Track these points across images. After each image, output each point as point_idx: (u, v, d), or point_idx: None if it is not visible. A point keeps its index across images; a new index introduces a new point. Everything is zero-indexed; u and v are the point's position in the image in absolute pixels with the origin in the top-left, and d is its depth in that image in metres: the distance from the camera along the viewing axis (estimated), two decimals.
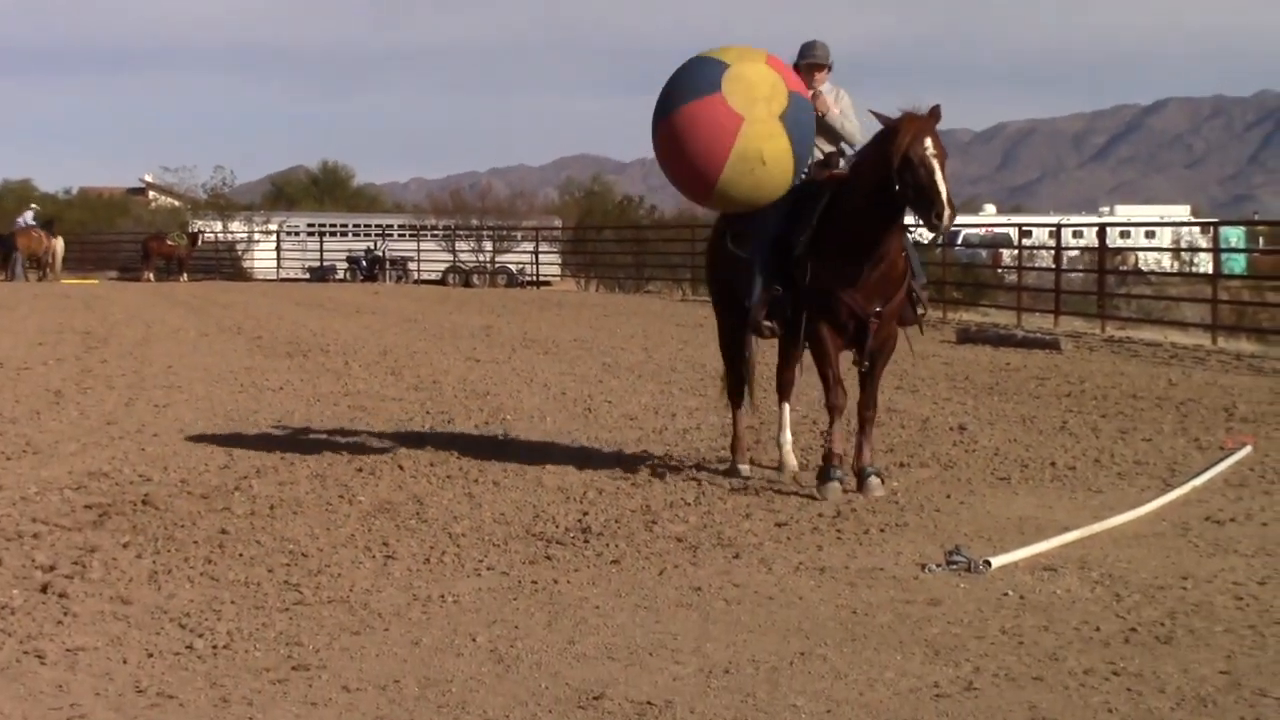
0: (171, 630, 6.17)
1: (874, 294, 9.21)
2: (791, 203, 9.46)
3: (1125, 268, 32.89)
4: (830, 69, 9.84)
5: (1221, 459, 10.35)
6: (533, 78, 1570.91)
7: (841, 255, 9.10)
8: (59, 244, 45.41)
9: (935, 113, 9.02)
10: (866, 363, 9.40)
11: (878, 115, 9.10)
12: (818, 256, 9.19)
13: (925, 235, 9.84)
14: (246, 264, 52.81)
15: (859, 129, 9.75)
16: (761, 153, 9.07)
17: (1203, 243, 34.75)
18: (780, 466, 9.92)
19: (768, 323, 9.58)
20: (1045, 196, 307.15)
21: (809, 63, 9.74)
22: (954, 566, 7.22)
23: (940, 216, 8.74)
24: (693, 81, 9.28)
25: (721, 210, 9.91)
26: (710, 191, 9.37)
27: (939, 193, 8.73)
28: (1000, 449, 11.03)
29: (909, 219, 9.20)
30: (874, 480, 9.27)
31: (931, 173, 8.75)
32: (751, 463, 10.10)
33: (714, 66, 9.25)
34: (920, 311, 9.72)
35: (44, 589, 6.72)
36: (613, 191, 74.38)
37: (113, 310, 28.96)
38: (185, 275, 47.24)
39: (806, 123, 9.32)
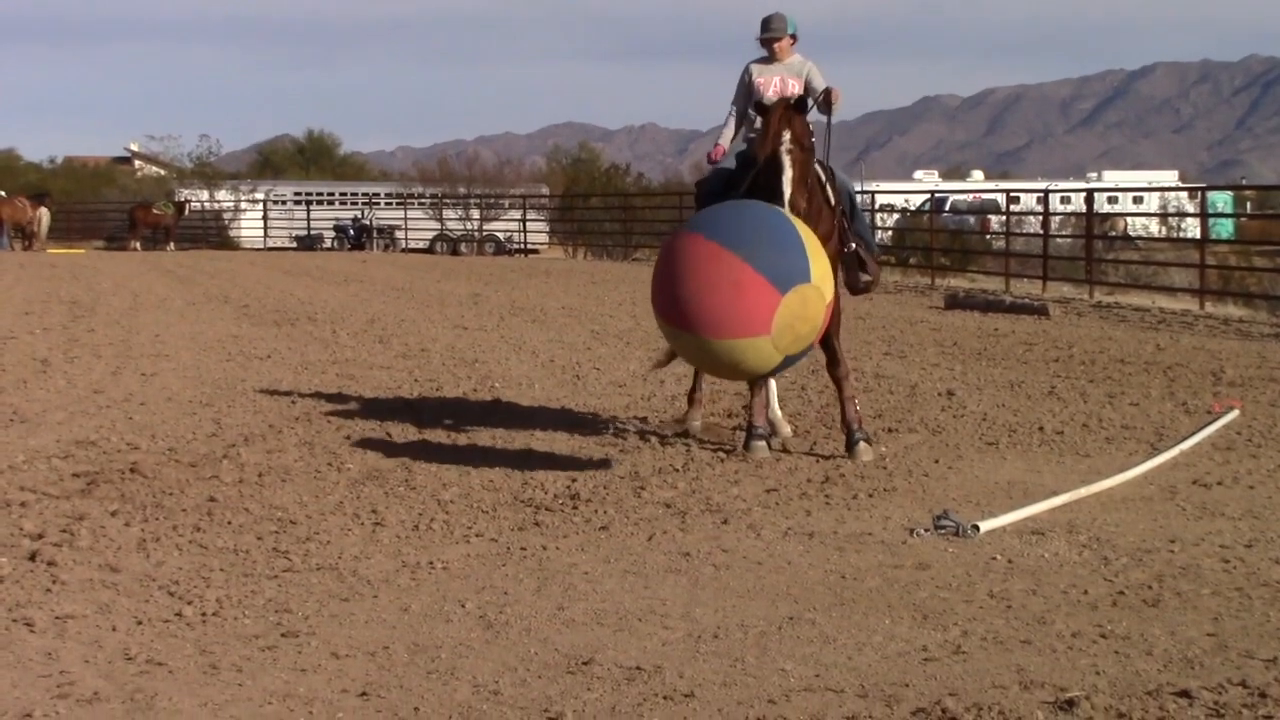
0: (160, 598, 6.16)
1: (805, 200, 9.19)
2: (731, 170, 9.55)
3: (1113, 233, 32.91)
4: (795, 37, 9.83)
5: (1209, 423, 10.37)
6: (519, 45, 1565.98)
7: None
8: (44, 214, 45.25)
9: (801, 104, 9.17)
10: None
11: (758, 106, 9.31)
12: (762, 168, 9.22)
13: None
14: (233, 233, 52.72)
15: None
16: (741, 359, 8.32)
17: (1190, 208, 34.75)
18: (774, 433, 9.90)
19: None
20: (1033, 162, 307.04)
21: (767, 37, 9.75)
22: (942, 531, 7.23)
23: None
24: (779, 254, 8.24)
25: (666, 337, 9.15)
26: (675, 324, 8.47)
27: (781, 194, 8.85)
28: (988, 414, 11.04)
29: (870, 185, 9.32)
30: (862, 445, 9.28)
31: (779, 172, 8.89)
32: (704, 419, 10.29)
33: (801, 261, 8.26)
34: (867, 278, 9.86)
35: (32, 557, 6.71)
36: (600, 159, 74.29)
37: (99, 280, 28.88)
38: (172, 244, 47.13)
39: (787, 365, 8.69)
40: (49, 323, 19.07)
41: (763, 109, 9.22)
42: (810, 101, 9.50)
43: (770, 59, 9.83)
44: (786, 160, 8.89)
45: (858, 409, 9.52)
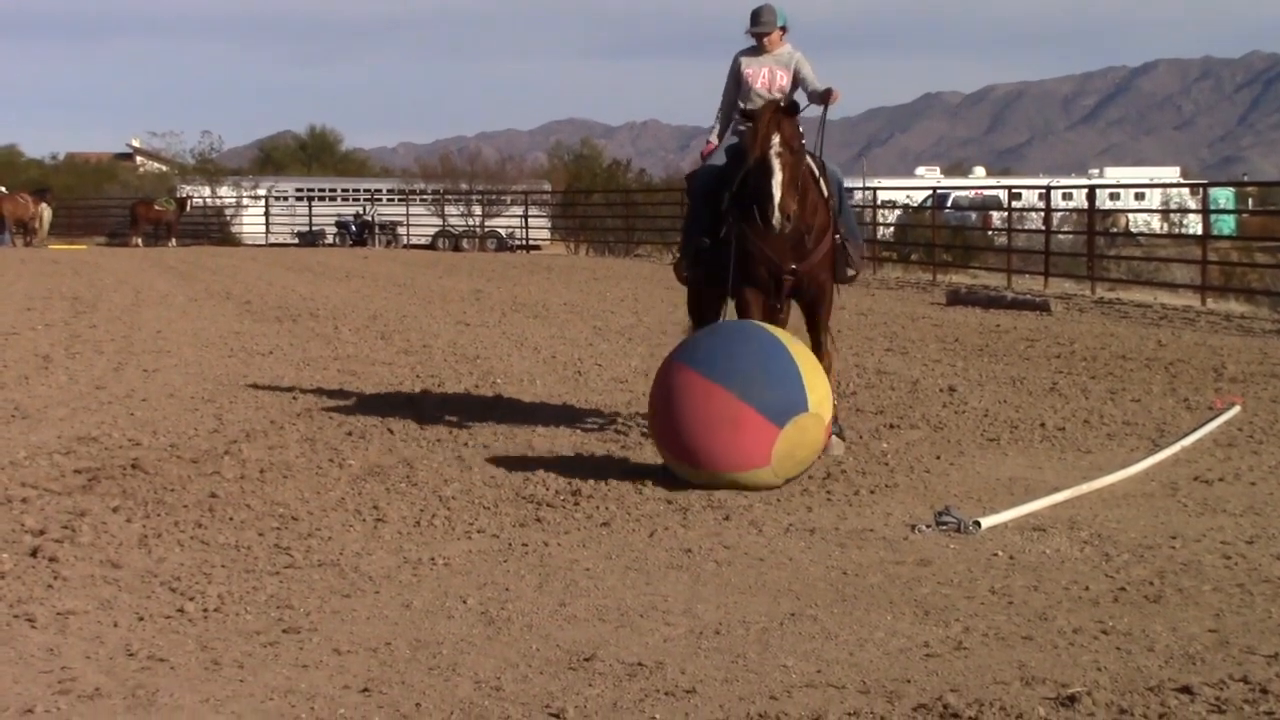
0: (162, 594, 6.16)
1: (787, 252, 9.30)
2: (721, 166, 9.55)
3: (1115, 229, 32.88)
4: (785, 29, 9.82)
5: (1210, 419, 10.37)
6: (522, 41, 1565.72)
7: (755, 215, 9.17)
8: (46, 210, 45.26)
9: (791, 107, 9.21)
10: (779, 309, 9.57)
11: (743, 112, 9.40)
12: (738, 214, 9.24)
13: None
14: (235, 229, 52.70)
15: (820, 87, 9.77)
16: (743, 486, 8.21)
17: (1192, 204, 34.69)
18: None
19: (689, 273, 9.95)
20: (1035, 159, 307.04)
21: (758, 31, 9.75)
22: (944, 527, 7.23)
23: (768, 219, 8.93)
24: (775, 387, 8.20)
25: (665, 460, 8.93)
26: (675, 457, 8.39)
27: (771, 197, 8.88)
28: (990, 410, 11.04)
29: (848, 182, 9.36)
30: (833, 439, 9.25)
31: (769, 175, 8.91)
32: None
33: (797, 392, 8.21)
34: (851, 272, 9.91)
35: (34, 553, 6.72)
36: (602, 155, 74.23)
37: (101, 276, 28.88)
38: (174, 240, 47.14)
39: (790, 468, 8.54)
40: (51, 319, 19.07)
41: (750, 114, 9.25)
42: (804, 98, 9.55)
43: (760, 50, 9.82)
44: (776, 164, 8.91)
45: (834, 403, 9.48)
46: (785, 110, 9.13)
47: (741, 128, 9.52)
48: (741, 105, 9.72)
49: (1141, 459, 9.02)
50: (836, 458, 9.08)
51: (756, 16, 9.75)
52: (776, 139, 8.95)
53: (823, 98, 9.50)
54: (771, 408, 8.12)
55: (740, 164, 9.25)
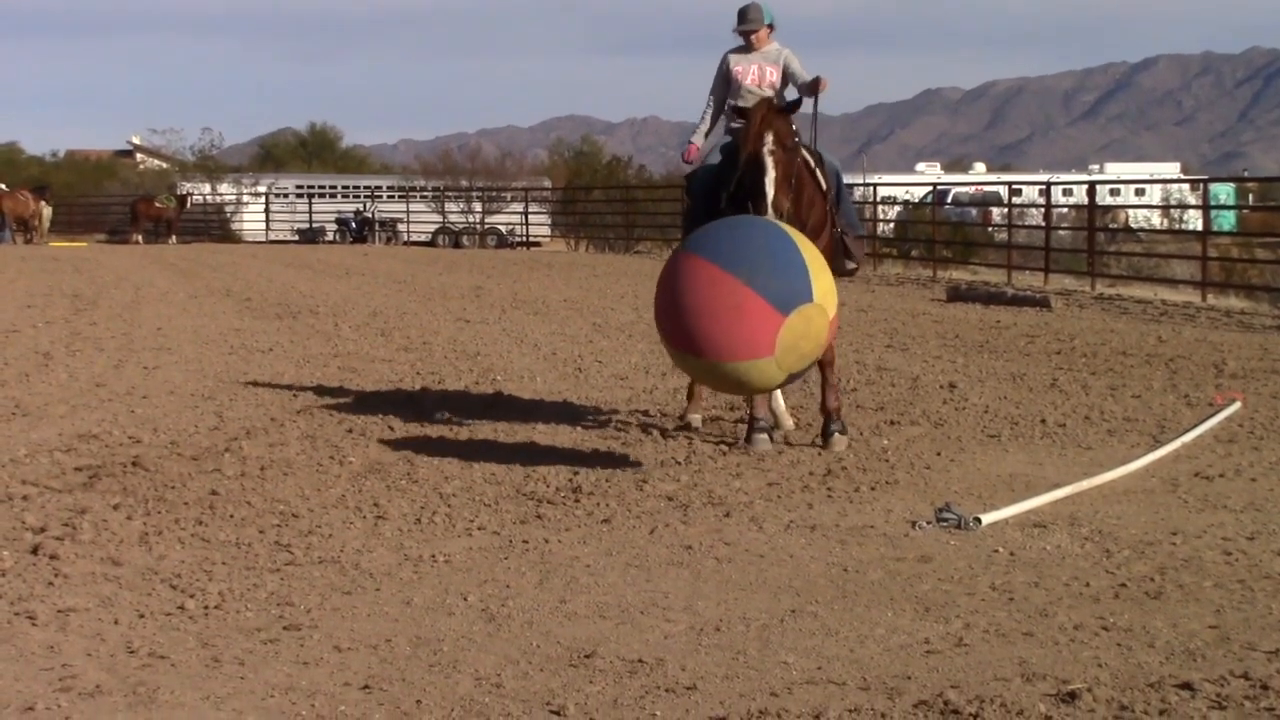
0: (163, 591, 6.16)
1: (789, 200, 9.20)
2: (721, 160, 9.56)
3: (1115, 225, 32.87)
4: (772, 27, 9.82)
5: (1211, 415, 10.37)
6: (521, 38, 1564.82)
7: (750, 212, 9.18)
8: (46, 208, 45.28)
9: (795, 105, 9.23)
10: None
11: (735, 108, 9.40)
12: (735, 212, 9.24)
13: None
14: (235, 226, 52.72)
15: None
16: (746, 379, 8.29)
17: (1192, 200, 34.73)
18: (777, 426, 9.88)
19: None
20: (1035, 155, 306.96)
21: (745, 29, 9.75)
22: (944, 524, 7.23)
23: (761, 215, 8.87)
24: (780, 275, 8.21)
25: (671, 358, 9.09)
26: (679, 347, 8.43)
27: (764, 194, 8.88)
28: (990, 406, 11.04)
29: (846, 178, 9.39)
30: (836, 436, 9.29)
31: (763, 172, 8.91)
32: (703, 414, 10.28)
33: (802, 281, 8.22)
34: (851, 265, 9.92)
35: (34, 551, 6.72)
36: (602, 152, 74.27)
37: (101, 273, 28.88)
38: (174, 238, 47.16)
39: (793, 379, 8.60)
40: (51, 316, 19.07)
41: (741, 111, 9.24)
42: (794, 90, 9.57)
43: (748, 48, 9.82)
44: (769, 161, 8.91)
45: (838, 397, 9.51)
46: (779, 108, 9.13)
47: (735, 124, 9.52)
48: (732, 102, 9.73)
49: (1142, 455, 9.02)
50: (838, 454, 9.09)
51: (743, 14, 9.76)
52: (770, 136, 8.95)
53: (811, 88, 9.52)
54: (776, 294, 8.12)
55: (736, 162, 9.25)
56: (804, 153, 9.34)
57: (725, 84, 9.83)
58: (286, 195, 53.76)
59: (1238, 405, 10.76)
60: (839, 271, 9.86)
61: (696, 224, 9.71)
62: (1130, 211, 36.70)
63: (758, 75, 9.73)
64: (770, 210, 8.84)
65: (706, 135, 9.97)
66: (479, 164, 56.01)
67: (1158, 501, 7.86)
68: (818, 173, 9.51)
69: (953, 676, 5.05)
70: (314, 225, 51.29)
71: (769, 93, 9.62)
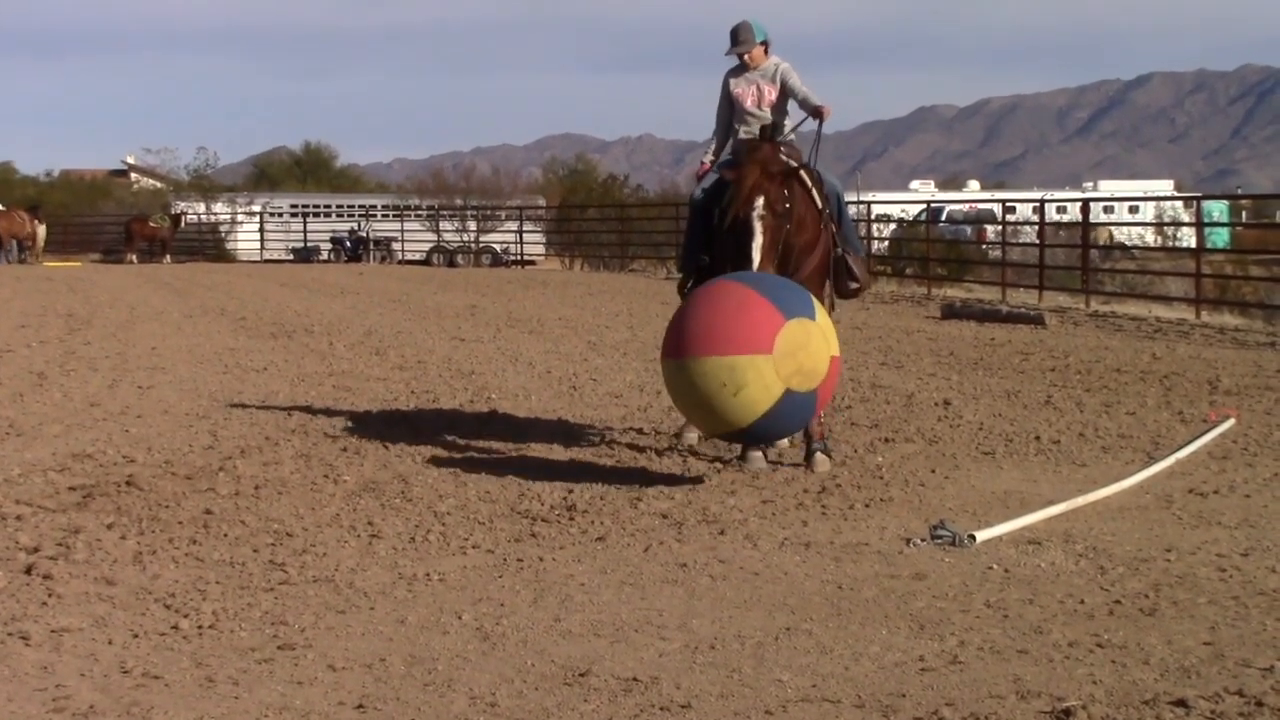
0: (156, 610, 6.16)
1: (777, 268, 9.24)
2: (717, 178, 9.59)
3: (1096, 243, 32.91)
4: (767, 43, 9.84)
5: (1205, 432, 10.37)
6: (516, 56, 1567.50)
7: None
8: (40, 227, 45.28)
9: (791, 155, 9.28)
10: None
11: (723, 170, 9.42)
12: (730, 229, 9.27)
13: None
14: (230, 246, 52.72)
15: (810, 94, 9.76)
16: (743, 382, 8.20)
17: (1186, 217, 34.73)
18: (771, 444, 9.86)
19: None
20: (1029, 172, 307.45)
21: (737, 51, 9.78)
22: (939, 541, 7.23)
23: None
24: (786, 290, 8.52)
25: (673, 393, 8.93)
26: (679, 354, 8.47)
27: (750, 261, 8.92)
28: (985, 424, 11.05)
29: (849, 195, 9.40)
30: (819, 456, 9.26)
31: (750, 237, 8.93)
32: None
33: (807, 304, 8.50)
34: (854, 285, 9.90)
35: (28, 570, 6.71)
36: (596, 170, 74.37)
37: (96, 292, 28.88)
38: (169, 257, 47.13)
39: (793, 413, 8.48)
40: (45, 335, 19.06)
41: (739, 156, 9.25)
42: (796, 110, 9.60)
43: (744, 68, 9.86)
44: (758, 226, 8.94)
45: (822, 419, 9.46)
46: (772, 171, 9.04)
47: (745, 135, 9.60)
48: (736, 128, 9.79)
49: (1136, 472, 9.02)
50: (821, 475, 9.05)
51: (735, 36, 9.80)
52: (760, 201, 8.96)
53: (814, 114, 9.55)
54: (780, 302, 8.38)
55: (726, 186, 9.29)
56: (802, 173, 9.34)
57: (729, 106, 9.92)
58: (281, 214, 53.76)
59: (1232, 422, 10.77)
60: (841, 292, 9.86)
61: (696, 242, 9.75)
62: (1124, 229, 36.74)
63: (756, 95, 9.77)
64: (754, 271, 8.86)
65: (716, 154, 10.00)
66: (474, 182, 56.10)
67: (1152, 518, 7.86)
68: (814, 192, 9.51)
69: (947, 694, 5.05)
70: (309, 244, 51.33)
71: (768, 115, 9.68)
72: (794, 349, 8.22)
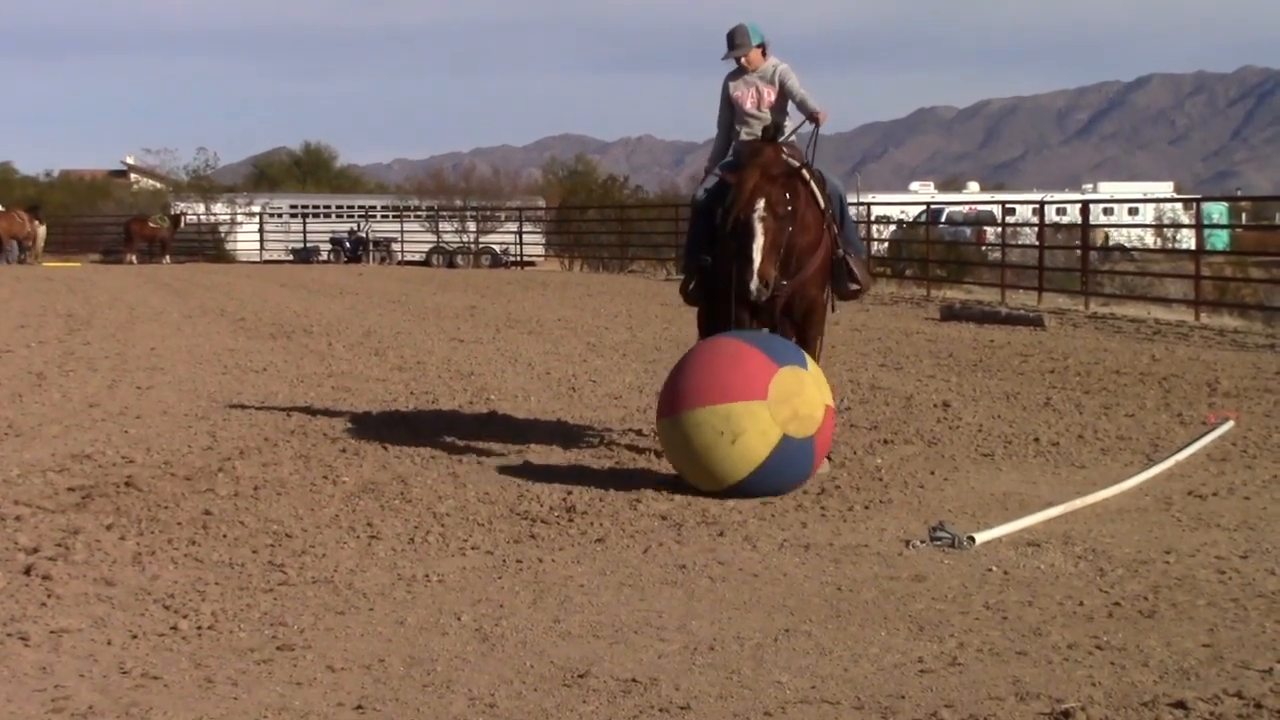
0: (156, 611, 6.16)
1: (779, 270, 9.19)
2: (719, 179, 9.59)
3: (1095, 246, 32.92)
4: (765, 45, 9.84)
5: (1204, 434, 10.37)
6: (516, 56, 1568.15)
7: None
8: (40, 228, 45.29)
9: (782, 164, 9.12)
10: (767, 330, 9.51)
11: (723, 173, 9.41)
12: (732, 231, 9.25)
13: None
14: (229, 246, 52.72)
15: (807, 96, 9.76)
16: (740, 430, 8.23)
17: (1186, 219, 34.73)
18: None
19: (694, 292, 9.86)
20: (1028, 174, 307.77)
21: (734, 55, 9.78)
22: (938, 543, 7.23)
23: (746, 284, 8.90)
24: (777, 343, 8.87)
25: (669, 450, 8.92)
26: (676, 409, 8.52)
27: (750, 261, 8.87)
28: (984, 425, 11.05)
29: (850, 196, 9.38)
30: None
31: (751, 238, 8.89)
32: None
33: (799, 355, 8.73)
34: (855, 286, 9.86)
35: (27, 571, 6.71)
36: (596, 171, 74.32)
37: (95, 293, 28.87)
38: (168, 258, 47.15)
39: (792, 463, 8.44)
40: (45, 336, 19.06)
41: (740, 157, 9.24)
42: (796, 112, 9.59)
43: (742, 71, 9.86)
44: (759, 228, 8.91)
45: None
46: (773, 173, 9.01)
47: (747, 136, 9.60)
48: (737, 129, 9.80)
49: (1135, 474, 9.02)
50: (820, 476, 9.03)
51: (731, 39, 9.80)
52: (761, 203, 8.94)
53: (810, 119, 9.55)
54: (773, 353, 8.59)
55: (727, 189, 9.28)
56: (805, 172, 9.33)
57: (729, 109, 9.93)
58: (281, 215, 53.74)
59: (1231, 424, 10.77)
60: (842, 293, 9.83)
61: (698, 243, 9.72)
62: (1124, 230, 36.74)
63: (755, 97, 9.78)
64: (755, 279, 8.82)
65: (720, 156, 10.01)
66: (473, 183, 56.10)
67: (1151, 520, 7.86)
68: (817, 192, 9.49)
69: (947, 696, 5.05)
70: (308, 245, 51.33)
71: (768, 116, 9.68)
72: (788, 395, 8.33)
